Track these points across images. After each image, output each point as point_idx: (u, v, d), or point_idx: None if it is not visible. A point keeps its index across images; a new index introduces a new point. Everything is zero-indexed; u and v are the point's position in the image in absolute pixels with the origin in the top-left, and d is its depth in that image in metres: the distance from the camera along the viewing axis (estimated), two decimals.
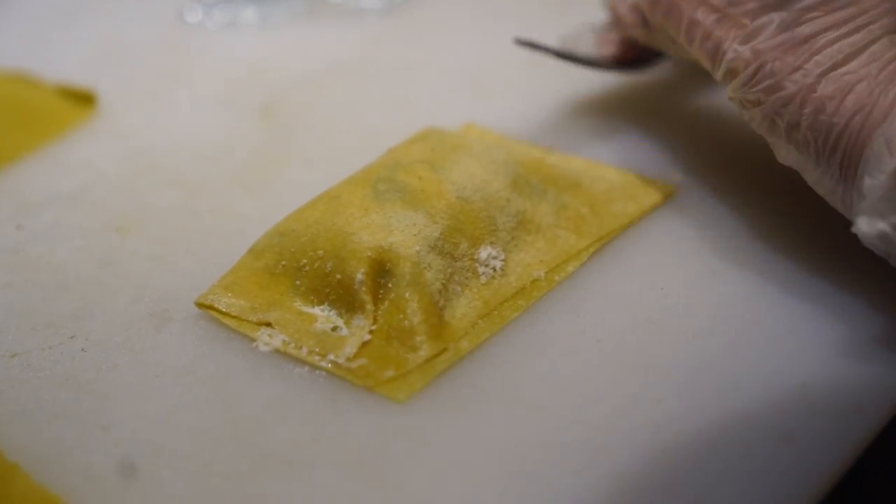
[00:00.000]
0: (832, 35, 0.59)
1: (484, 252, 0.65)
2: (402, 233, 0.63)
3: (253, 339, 0.62)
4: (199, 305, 0.64)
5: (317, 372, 0.60)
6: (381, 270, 0.62)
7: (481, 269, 0.65)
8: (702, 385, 0.59)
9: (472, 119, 0.79)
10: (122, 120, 0.84)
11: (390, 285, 0.62)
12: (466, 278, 0.64)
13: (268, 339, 0.62)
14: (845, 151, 0.57)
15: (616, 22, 0.74)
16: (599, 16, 0.77)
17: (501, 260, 0.65)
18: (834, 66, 0.58)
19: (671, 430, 0.56)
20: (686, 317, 0.62)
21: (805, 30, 0.60)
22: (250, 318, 0.63)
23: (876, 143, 0.56)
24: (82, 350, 0.63)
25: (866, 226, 0.56)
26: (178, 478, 0.55)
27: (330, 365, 0.60)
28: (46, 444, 0.58)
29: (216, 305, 0.64)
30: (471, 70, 0.87)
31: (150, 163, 0.78)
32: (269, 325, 0.63)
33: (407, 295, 0.61)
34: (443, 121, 0.77)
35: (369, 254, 0.62)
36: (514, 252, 0.66)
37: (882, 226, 0.56)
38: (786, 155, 0.61)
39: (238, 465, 0.56)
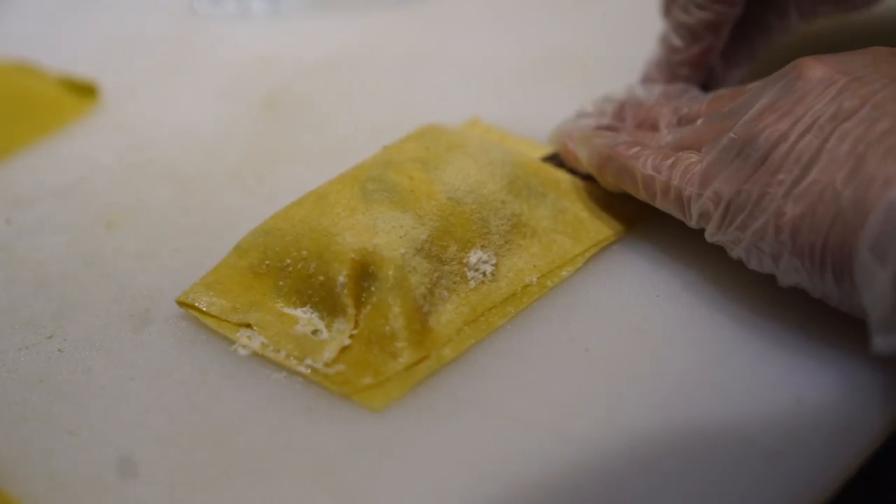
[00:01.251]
0: (785, 146, 0.55)
1: (474, 256, 0.63)
2: (388, 234, 0.61)
3: (232, 342, 0.61)
4: (180, 304, 0.63)
5: (294, 377, 0.59)
6: (365, 273, 0.60)
7: (470, 274, 0.63)
8: (689, 398, 0.56)
9: (479, 115, 0.77)
10: (123, 112, 0.82)
11: (373, 289, 0.60)
12: (454, 283, 0.62)
13: (246, 342, 0.60)
14: (834, 268, 0.53)
15: (567, 161, 0.70)
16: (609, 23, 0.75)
17: (492, 264, 0.63)
18: (796, 182, 0.54)
19: (654, 445, 0.54)
20: (679, 326, 0.60)
21: (759, 147, 0.56)
22: (231, 319, 0.61)
23: (861, 253, 0.52)
24: (59, 351, 0.61)
25: (885, 343, 0.52)
26: (142, 486, 0.54)
27: (307, 370, 0.59)
28: (12, 448, 0.56)
29: (197, 304, 0.62)
30: (481, 65, 0.85)
31: (147, 157, 0.77)
32: (249, 326, 0.61)
33: (389, 299, 0.59)
34: (449, 116, 0.75)
35: (353, 255, 0.60)
36: (506, 256, 0.64)
37: None
38: (784, 281, 0.57)
39: (204, 473, 0.54)
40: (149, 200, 0.73)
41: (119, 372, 0.60)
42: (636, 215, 0.67)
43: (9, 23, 0.93)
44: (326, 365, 0.58)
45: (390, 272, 0.60)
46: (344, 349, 0.59)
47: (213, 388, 0.58)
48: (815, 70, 0.57)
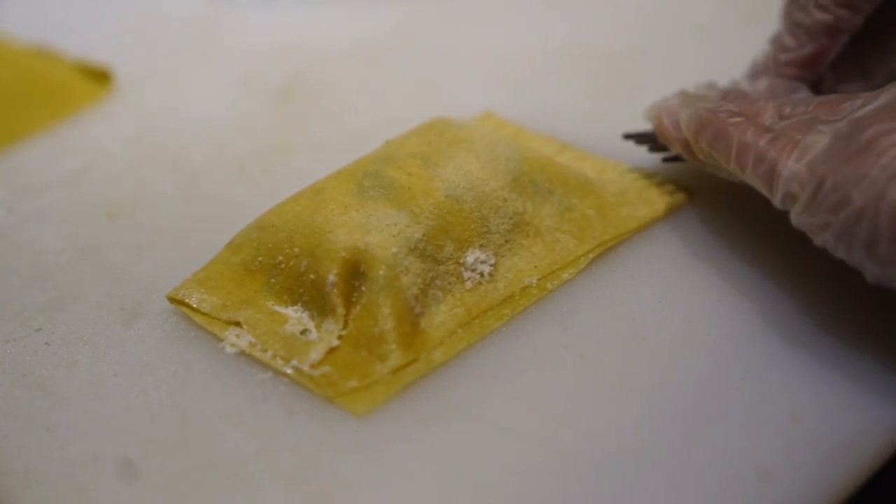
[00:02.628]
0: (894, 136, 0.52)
1: (471, 255, 0.61)
2: (381, 233, 0.59)
3: (220, 339, 0.59)
4: (171, 300, 0.61)
5: (279, 378, 0.57)
6: (356, 272, 0.59)
7: (467, 274, 0.61)
8: (684, 409, 0.54)
9: (497, 108, 0.75)
10: (137, 99, 0.81)
11: (363, 288, 0.58)
12: (450, 283, 0.60)
13: (234, 340, 0.59)
14: None
15: (660, 136, 0.66)
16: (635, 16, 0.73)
17: (491, 264, 0.61)
18: None
19: (644, 458, 0.52)
20: (679, 333, 0.58)
21: (865, 135, 0.53)
22: (221, 317, 0.60)
23: None
24: (46, 344, 0.60)
25: None
26: (114, 488, 0.53)
27: (292, 371, 0.57)
28: None
29: (187, 301, 0.61)
30: (504, 57, 0.83)
31: (155, 145, 0.76)
32: (238, 324, 0.60)
33: (379, 300, 0.58)
34: (468, 109, 0.74)
35: (343, 254, 0.59)
36: (506, 256, 0.62)
37: None
38: (873, 274, 0.53)
39: (178, 476, 0.53)
40: (152, 191, 0.72)
41: (104, 367, 0.59)
42: (646, 216, 0.65)
43: (30, 5, 0.92)
44: (312, 366, 0.57)
45: (381, 272, 0.58)
46: (331, 350, 0.58)
47: (197, 387, 0.57)
48: None
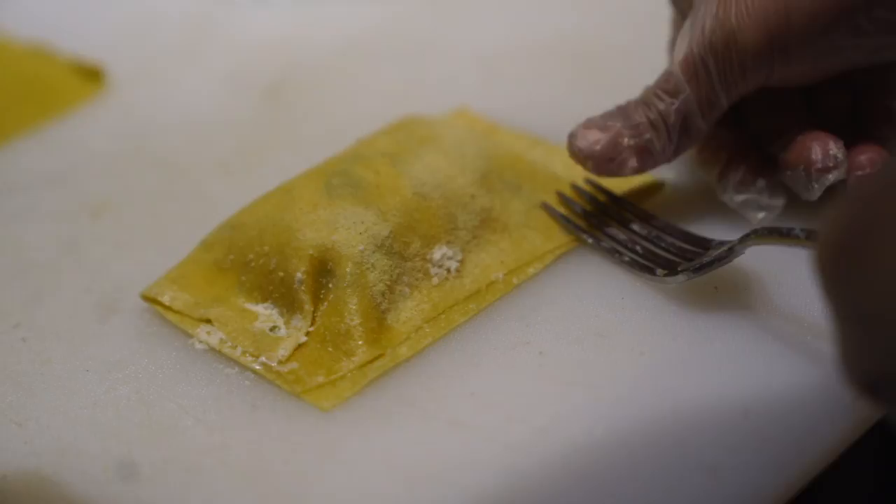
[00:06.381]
0: None
1: (438, 252, 0.62)
2: (348, 231, 0.60)
3: (191, 336, 0.60)
4: (145, 298, 0.63)
5: (245, 373, 0.58)
6: (323, 270, 0.60)
7: (434, 270, 0.62)
8: (637, 407, 0.55)
9: (481, 104, 0.75)
10: (128, 98, 0.82)
11: (331, 286, 0.59)
12: (417, 279, 0.61)
13: (205, 337, 0.60)
14: None
15: None
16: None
17: (458, 260, 0.62)
18: None
19: (594, 456, 0.53)
20: (638, 331, 0.59)
21: None
22: (192, 314, 0.61)
23: None
24: (23, 340, 0.62)
25: None
26: (76, 482, 0.54)
27: (260, 367, 0.58)
28: None
29: (160, 299, 0.62)
30: (491, 54, 0.83)
31: (141, 144, 0.77)
32: (209, 321, 0.61)
33: (346, 296, 0.59)
34: (450, 106, 0.74)
35: (311, 252, 0.60)
36: (473, 252, 0.63)
37: None
38: None
39: (140, 469, 0.54)
40: (135, 188, 0.73)
41: (76, 363, 0.60)
42: None
43: (29, 2, 0.94)
44: (280, 362, 0.58)
45: (348, 269, 0.59)
46: (299, 346, 0.59)
47: (165, 383, 0.58)
48: None
